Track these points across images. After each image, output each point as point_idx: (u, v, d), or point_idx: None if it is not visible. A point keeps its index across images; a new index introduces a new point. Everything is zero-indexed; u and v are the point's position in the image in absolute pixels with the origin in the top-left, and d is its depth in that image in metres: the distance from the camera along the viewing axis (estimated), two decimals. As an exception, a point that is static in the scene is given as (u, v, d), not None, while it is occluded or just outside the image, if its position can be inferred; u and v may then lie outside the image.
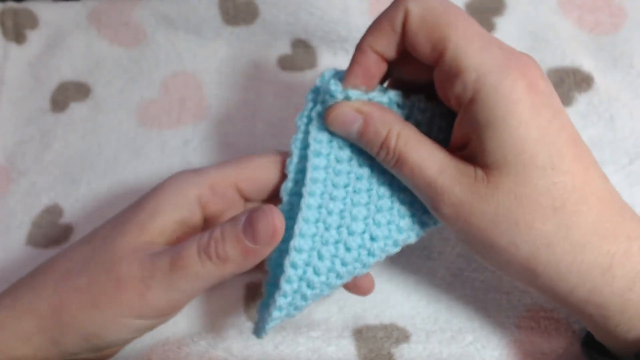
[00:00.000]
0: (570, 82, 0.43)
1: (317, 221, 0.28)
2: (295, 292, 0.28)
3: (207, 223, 0.31)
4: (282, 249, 0.29)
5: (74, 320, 0.27)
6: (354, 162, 0.30)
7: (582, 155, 0.26)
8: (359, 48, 0.29)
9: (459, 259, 0.37)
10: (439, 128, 0.30)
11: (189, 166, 0.42)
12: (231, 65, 0.46)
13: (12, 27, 0.48)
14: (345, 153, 0.30)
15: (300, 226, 0.28)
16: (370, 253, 0.29)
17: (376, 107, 0.29)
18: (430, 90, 0.29)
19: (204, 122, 0.44)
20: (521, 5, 0.47)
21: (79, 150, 0.43)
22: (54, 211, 0.41)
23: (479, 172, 0.26)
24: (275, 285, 0.29)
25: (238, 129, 0.44)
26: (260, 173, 0.31)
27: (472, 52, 0.25)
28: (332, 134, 0.30)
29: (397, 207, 0.30)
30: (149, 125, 0.44)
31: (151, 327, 0.29)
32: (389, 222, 0.29)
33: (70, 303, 0.27)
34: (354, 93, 0.29)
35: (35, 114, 0.45)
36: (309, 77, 0.46)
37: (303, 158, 0.30)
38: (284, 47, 0.47)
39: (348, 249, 0.28)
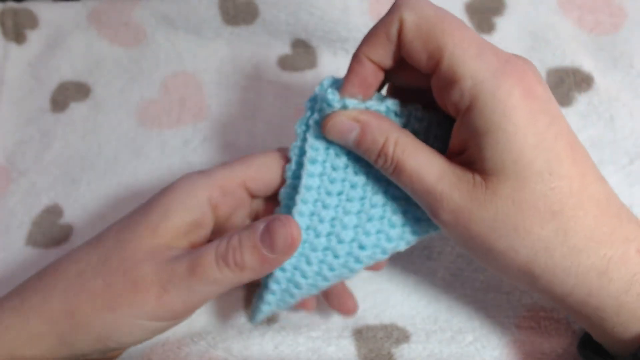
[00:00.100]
0: (570, 82, 0.43)
1: (307, 228, 0.29)
2: (283, 291, 0.30)
3: (218, 223, 0.31)
4: None
5: (87, 322, 0.28)
6: (350, 170, 0.30)
7: (580, 159, 0.26)
8: (356, 57, 0.29)
9: (459, 259, 0.37)
10: (436, 137, 0.30)
11: (189, 166, 0.42)
12: (231, 65, 0.46)
13: (12, 27, 0.48)
14: (342, 161, 0.30)
15: None
16: (357, 260, 0.30)
17: (373, 116, 0.29)
18: (429, 95, 0.29)
19: (204, 122, 0.44)
20: (521, 5, 0.47)
21: (79, 150, 0.43)
22: (54, 211, 0.41)
23: (477, 178, 0.26)
24: (270, 278, 0.30)
25: (238, 129, 0.44)
26: (265, 171, 0.31)
27: (468, 59, 0.25)
28: (330, 141, 0.30)
29: (389, 216, 0.30)
30: (149, 125, 0.44)
31: (164, 329, 0.30)
32: (378, 231, 0.30)
33: (84, 305, 0.28)
34: (351, 102, 0.29)
35: (35, 114, 0.45)
36: (309, 77, 0.46)
37: (301, 165, 0.31)
38: (284, 47, 0.47)
39: (336, 256, 0.29)
